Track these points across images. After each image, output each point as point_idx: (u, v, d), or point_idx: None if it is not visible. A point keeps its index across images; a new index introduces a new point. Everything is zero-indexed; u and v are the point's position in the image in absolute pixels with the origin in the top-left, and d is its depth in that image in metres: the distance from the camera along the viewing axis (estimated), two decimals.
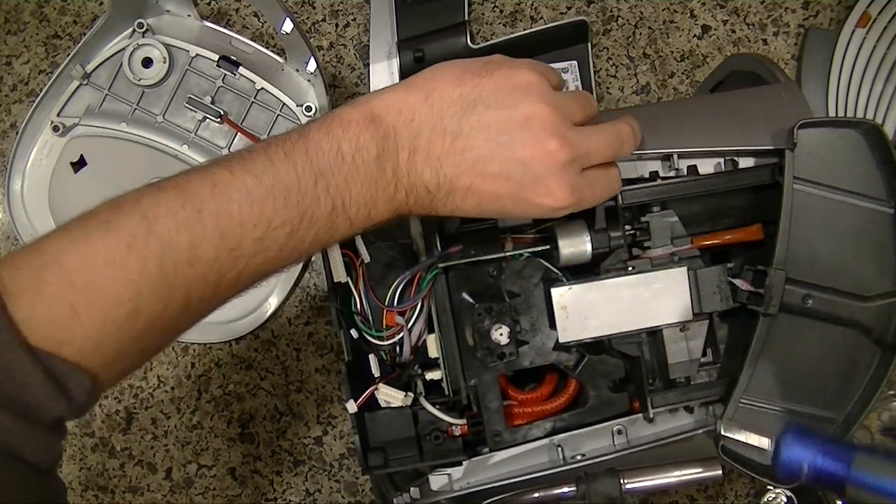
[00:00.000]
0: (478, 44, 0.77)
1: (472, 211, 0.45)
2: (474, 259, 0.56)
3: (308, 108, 0.76)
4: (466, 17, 0.77)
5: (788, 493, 0.77)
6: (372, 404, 0.57)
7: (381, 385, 0.56)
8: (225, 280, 0.41)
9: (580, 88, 0.78)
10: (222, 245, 0.39)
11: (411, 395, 0.57)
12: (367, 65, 0.78)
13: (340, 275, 0.57)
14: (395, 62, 0.77)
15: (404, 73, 0.77)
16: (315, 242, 0.42)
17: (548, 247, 0.55)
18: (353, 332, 0.58)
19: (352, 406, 0.57)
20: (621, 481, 0.54)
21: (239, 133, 0.75)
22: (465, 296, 0.56)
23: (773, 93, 0.59)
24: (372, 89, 0.78)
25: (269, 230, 0.40)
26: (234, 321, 0.79)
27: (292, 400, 0.80)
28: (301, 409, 0.79)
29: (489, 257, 0.56)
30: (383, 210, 0.43)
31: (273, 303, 0.79)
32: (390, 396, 0.56)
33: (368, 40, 0.79)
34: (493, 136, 0.42)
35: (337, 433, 0.79)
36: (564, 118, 0.44)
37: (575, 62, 0.78)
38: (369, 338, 0.58)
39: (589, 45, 0.78)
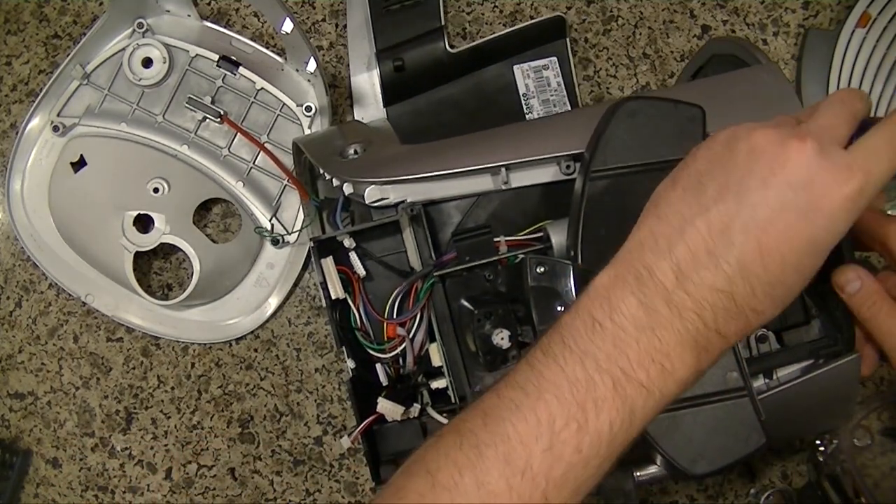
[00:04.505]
0: (455, 47, 0.77)
1: (782, 272, 0.38)
2: (469, 265, 0.56)
3: (308, 108, 0.76)
4: (443, 22, 0.77)
5: (789, 492, 0.77)
6: (381, 417, 0.58)
7: (380, 400, 0.56)
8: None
9: (562, 84, 0.78)
10: (510, 470, 0.36)
11: (417, 406, 0.57)
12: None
13: (338, 291, 0.57)
14: (376, 73, 0.77)
15: (385, 84, 0.76)
16: (613, 426, 0.37)
17: (541, 246, 0.55)
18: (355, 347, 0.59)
19: (346, 442, 0.59)
20: (634, 474, 0.54)
21: (238, 133, 0.75)
22: (464, 302, 0.56)
23: (754, 74, 0.59)
24: (355, 102, 0.78)
25: (553, 435, 0.36)
26: (234, 321, 0.79)
27: (292, 400, 0.80)
28: (301, 409, 0.79)
29: (484, 261, 0.56)
30: (679, 354, 0.37)
31: (273, 303, 0.79)
32: (390, 411, 0.56)
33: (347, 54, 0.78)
34: (738, 191, 0.37)
35: (337, 433, 0.79)
36: (777, 124, 0.39)
37: (555, 58, 0.78)
38: (371, 352, 0.58)
39: (567, 40, 0.79)
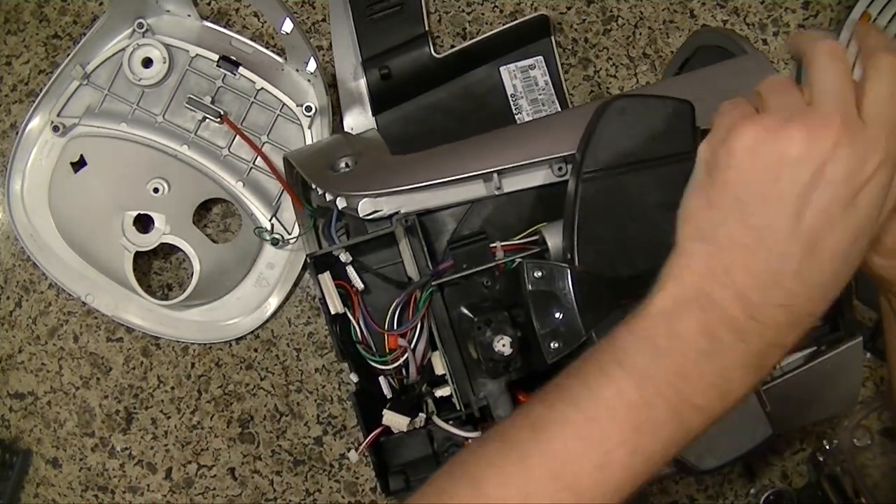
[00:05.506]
0: (439, 53, 0.77)
1: (834, 271, 0.37)
2: (467, 272, 0.56)
3: (308, 108, 0.76)
4: (426, 28, 0.76)
5: (789, 492, 0.77)
6: (387, 429, 0.58)
7: (385, 412, 0.56)
8: None
9: (549, 83, 0.78)
10: (557, 485, 0.36)
11: (423, 415, 0.57)
12: (334, 86, 0.77)
13: (337, 306, 0.57)
14: (363, 82, 0.76)
15: (373, 93, 0.76)
16: (667, 446, 0.37)
17: (538, 249, 0.55)
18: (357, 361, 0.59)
19: (354, 456, 0.59)
20: None
21: (238, 134, 0.75)
22: (464, 310, 0.56)
23: (741, 65, 0.58)
24: (344, 113, 0.77)
25: (605, 455, 0.36)
26: (234, 321, 0.79)
27: (292, 400, 0.80)
28: (301, 409, 0.79)
29: (481, 268, 0.56)
30: (740, 376, 0.37)
31: (273, 303, 0.79)
32: (395, 423, 0.56)
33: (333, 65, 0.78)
34: (783, 205, 0.36)
35: (337, 433, 0.79)
36: (791, 112, 0.37)
37: (541, 57, 0.78)
38: (374, 364, 0.58)
39: (552, 38, 0.78)
